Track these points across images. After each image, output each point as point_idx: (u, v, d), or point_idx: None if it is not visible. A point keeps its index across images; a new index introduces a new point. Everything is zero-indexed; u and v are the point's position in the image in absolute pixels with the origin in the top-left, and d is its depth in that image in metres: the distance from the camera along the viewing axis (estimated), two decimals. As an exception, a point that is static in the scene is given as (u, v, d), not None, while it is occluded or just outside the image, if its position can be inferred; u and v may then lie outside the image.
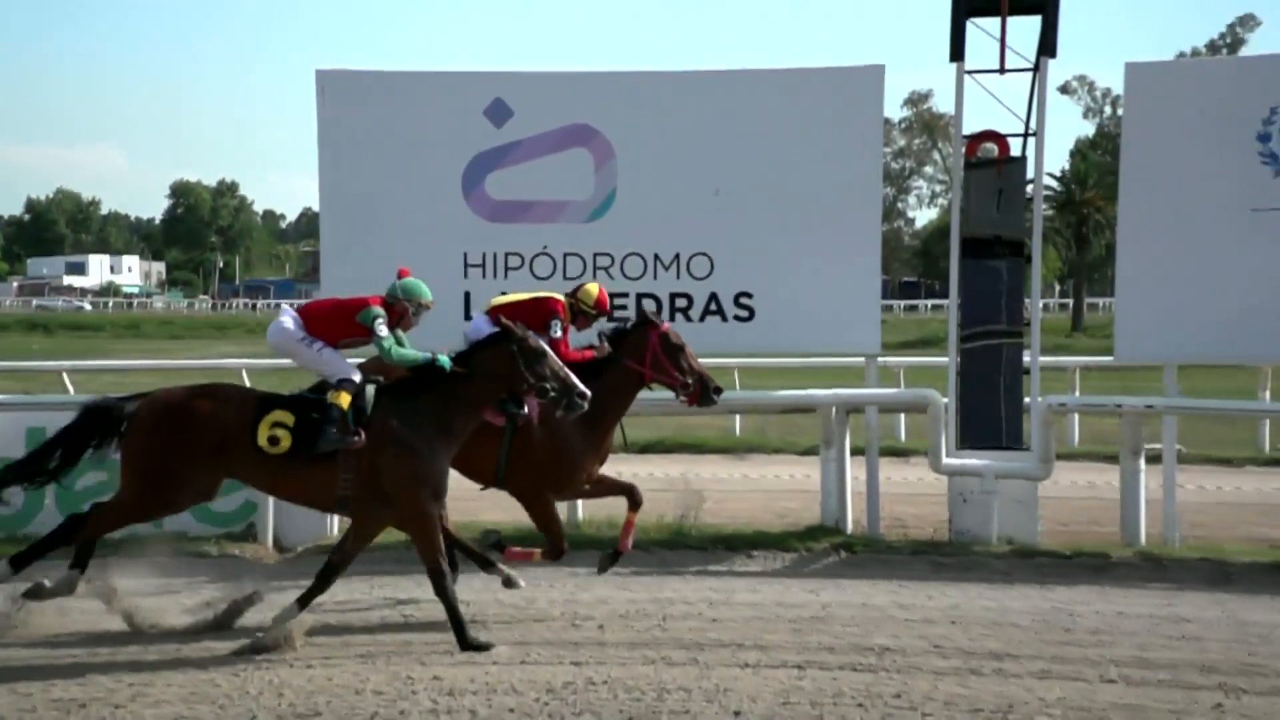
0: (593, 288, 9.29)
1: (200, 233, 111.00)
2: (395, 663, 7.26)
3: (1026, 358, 11.21)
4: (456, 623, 7.56)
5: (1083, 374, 18.01)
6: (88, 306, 78.80)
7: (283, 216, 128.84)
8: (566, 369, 7.83)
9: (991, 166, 11.36)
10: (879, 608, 8.54)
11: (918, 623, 8.16)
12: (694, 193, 10.88)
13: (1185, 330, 10.62)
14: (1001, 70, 11.08)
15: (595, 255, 10.94)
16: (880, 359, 11.70)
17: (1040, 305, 11.42)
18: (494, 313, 8.74)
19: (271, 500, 10.44)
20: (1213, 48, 60.82)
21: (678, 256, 10.91)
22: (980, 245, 11.25)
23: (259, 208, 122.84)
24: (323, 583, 7.87)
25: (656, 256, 10.92)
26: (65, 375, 19.25)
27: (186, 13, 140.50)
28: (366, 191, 11.00)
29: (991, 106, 11.48)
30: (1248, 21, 62.42)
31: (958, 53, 10.99)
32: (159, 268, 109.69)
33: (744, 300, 10.87)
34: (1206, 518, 11.51)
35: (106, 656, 7.46)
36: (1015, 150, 11.47)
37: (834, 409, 10.80)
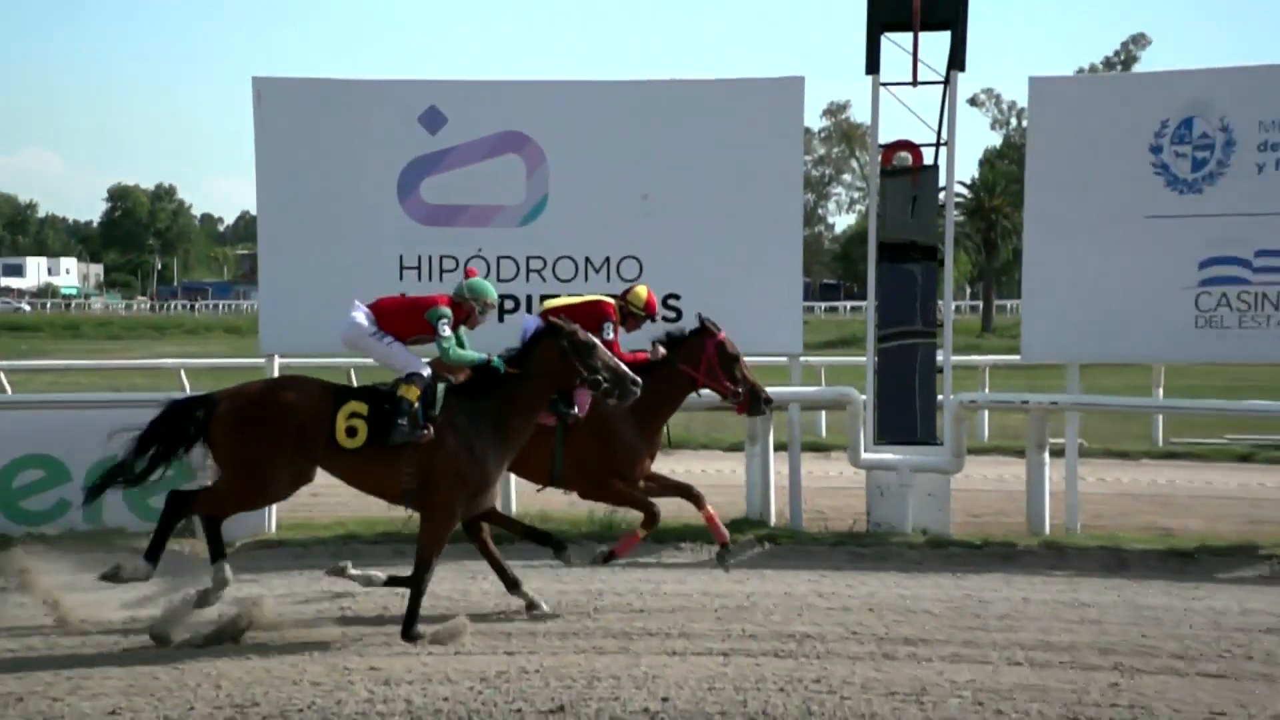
0: (642, 290, 9.26)
1: (138, 236, 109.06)
2: (332, 654, 7.20)
3: (940, 357, 11.35)
4: (412, 614, 7.54)
5: (992, 372, 18.19)
6: (26, 308, 77.18)
7: (221, 220, 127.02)
8: (616, 359, 7.82)
9: (906, 174, 11.47)
10: (800, 596, 8.60)
11: (837, 610, 8.23)
12: (623, 198, 10.89)
13: (1087, 331, 10.77)
14: (914, 83, 11.20)
15: (528, 258, 10.91)
16: (802, 358, 11.78)
17: (952, 307, 11.58)
18: (547, 315, 8.63)
19: (211, 496, 10.31)
20: (1108, 64, 61.87)
21: (608, 259, 10.91)
22: (896, 250, 11.35)
23: (197, 211, 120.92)
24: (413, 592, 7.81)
25: (587, 259, 10.91)
26: (3, 376, 18.87)
27: (122, 20, 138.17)
28: (303, 196, 10.90)
29: (905, 117, 11.62)
30: (1140, 40, 63.71)
31: (873, 66, 11.09)
32: (97, 270, 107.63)
33: (672, 302, 10.88)
34: (1105, 508, 11.70)
35: (44, 650, 7.34)
36: (928, 159, 11.58)
37: (757, 406, 10.83)
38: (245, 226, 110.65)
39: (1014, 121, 62.07)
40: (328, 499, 12.37)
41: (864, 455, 10.69)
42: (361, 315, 8.06)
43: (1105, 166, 10.67)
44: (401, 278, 10.88)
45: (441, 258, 10.89)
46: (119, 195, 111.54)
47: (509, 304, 10.93)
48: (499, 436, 7.71)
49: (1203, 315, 10.54)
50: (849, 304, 64.64)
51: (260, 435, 7.59)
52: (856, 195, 68.31)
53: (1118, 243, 10.65)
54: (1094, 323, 10.73)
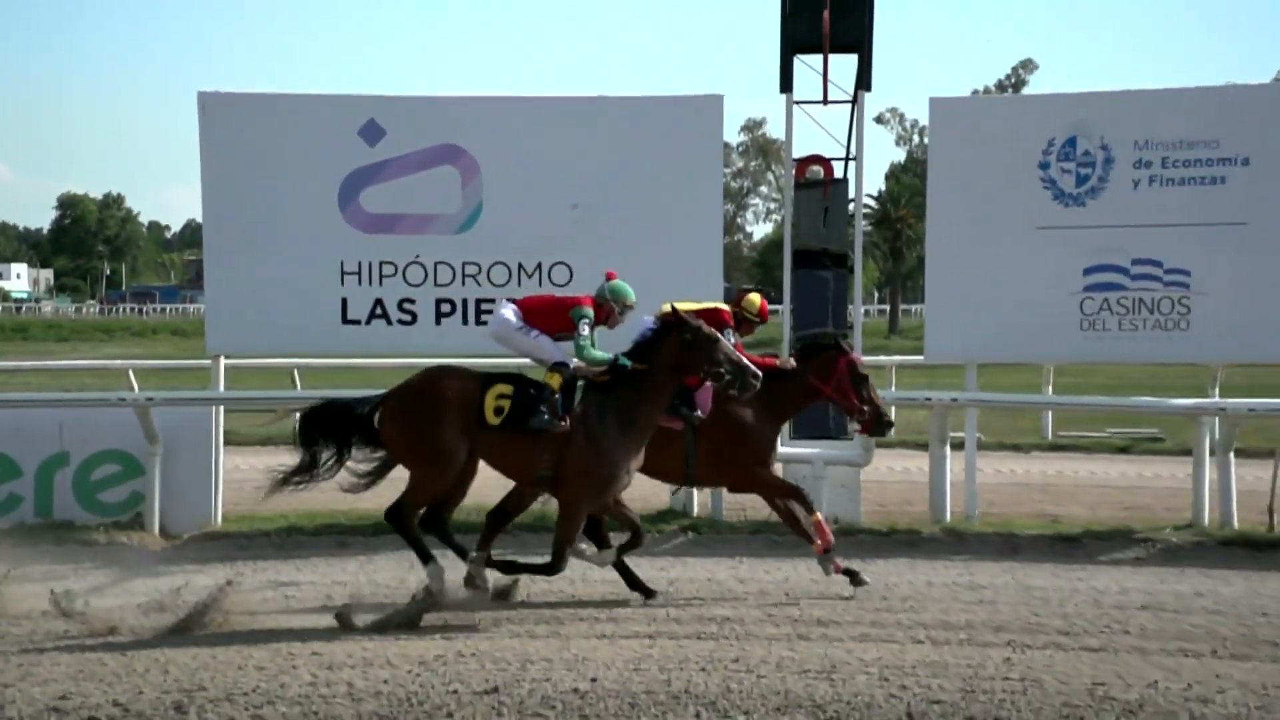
0: (755, 298, 9.13)
1: (87, 242, 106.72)
2: (276, 640, 7.11)
3: (850, 357, 11.42)
4: (526, 567, 7.75)
5: (898, 371, 18.37)
6: (-24, 312, 75.23)
7: (168, 227, 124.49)
8: (737, 352, 7.76)
9: (818, 187, 11.57)
10: (720, 582, 8.65)
11: (754, 594, 8.28)
12: (554, 207, 10.85)
13: (984, 333, 10.89)
14: (825, 102, 11.29)
15: (464, 264, 10.85)
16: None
17: (861, 311, 11.62)
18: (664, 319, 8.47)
19: (158, 490, 10.16)
20: (1000, 86, 62.80)
21: (540, 265, 10.87)
22: (809, 257, 11.44)
23: (145, 219, 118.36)
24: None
25: (520, 265, 10.87)
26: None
27: (71, 36, 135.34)
28: (248, 204, 10.76)
29: (817, 134, 11.71)
30: (1028, 65, 64.78)
31: (787, 85, 11.16)
32: (47, 274, 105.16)
33: (600, 305, 10.87)
34: (1000, 497, 11.84)
35: (-7, 639, 7.16)
36: (838, 173, 11.69)
37: (680, 404, 10.86)
38: (191, 233, 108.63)
39: (916, 138, 62.74)
40: (271, 493, 12.21)
41: (780, 449, 10.73)
42: (510, 311, 8.06)
43: (999, 181, 10.78)
44: (343, 283, 10.79)
45: (381, 264, 10.81)
46: (68, 203, 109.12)
47: (445, 307, 10.88)
48: (627, 430, 7.65)
49: (1086, 319, 10.72)
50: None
51: (426, 420, 7.59)
52: (773, 206, 68.67)
53: (1011, 252, 10.77)
54: (990, 325, 10.86)
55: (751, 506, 11.10)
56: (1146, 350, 10.85)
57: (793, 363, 8.66)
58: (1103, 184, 10.67)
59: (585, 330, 7.86)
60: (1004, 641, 7.10)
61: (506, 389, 7.68)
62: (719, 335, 7.78)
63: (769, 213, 71.13)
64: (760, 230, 73.84)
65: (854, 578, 8.21)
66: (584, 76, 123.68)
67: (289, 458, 8.01)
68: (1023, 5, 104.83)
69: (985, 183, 10.81)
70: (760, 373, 7.71)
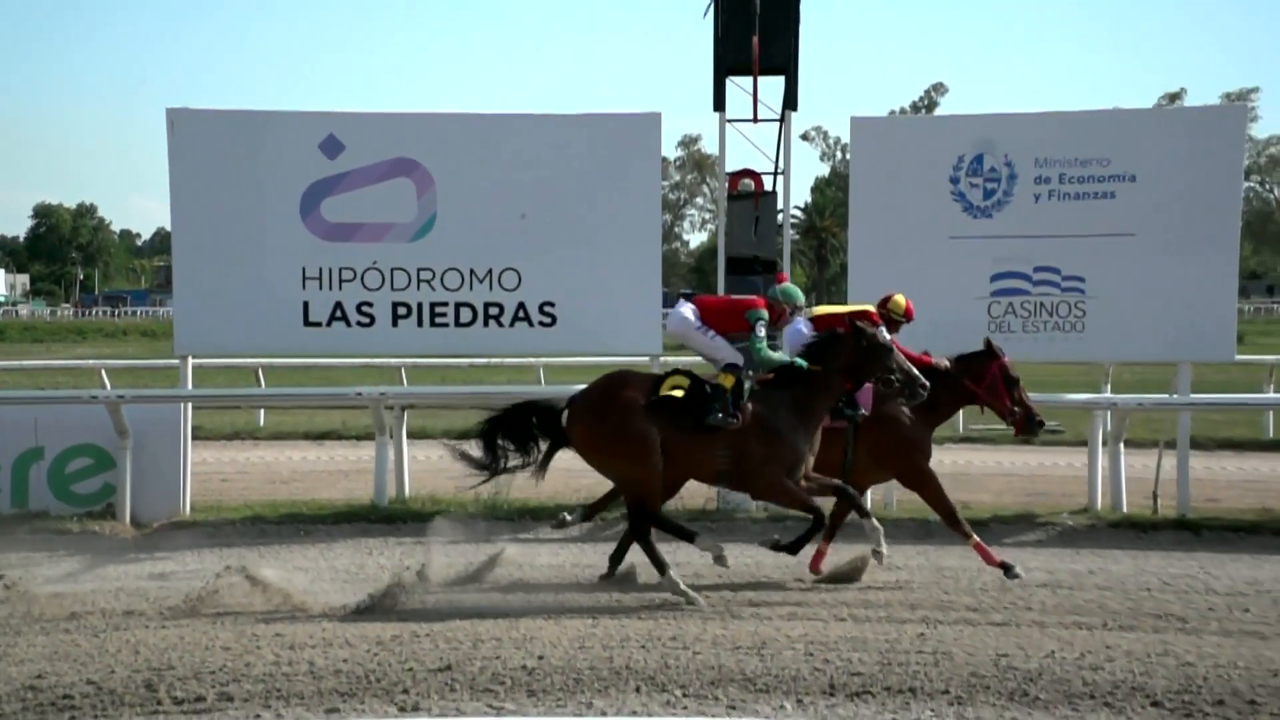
0: (900, 299, 8.95)
1: (62, 249, 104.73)
2: (241, 622, 7.03)
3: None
4: (804, 537, 7.63)
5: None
6: (-46, 315, 73.51)
7: (138, 235, 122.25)
8: (909, 362, 7.70)
9: (749, 199, 11.60)
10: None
11: (690, 577, 8.25)
12: (504, 217, 10.81)
13: (902, 334, 10.71)
14: (755, 120, 11.35)
15: (419, 270, 10.78)
16: (661, 358, 11.82)
17: (789, 313, 11.69)
18: (817, 320, 8.44)
19: (129, 482, 10.02)
20: (914, 107, 63.49)
21: (490, 271, 10.82)
22: (741, 263, 11.47)
23: (116, 227, 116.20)
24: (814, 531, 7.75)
25: (472, 271, 10.82)
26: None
27: (47, 54, 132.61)
28: (214, 214, 10.64)
29: (748, 149, 11.86)
30: (939, 88, 65.64)
31: (720, 105, 11.21)
32: (24, 279, 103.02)
33: (547, 309, 10.87)
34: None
35: (-30, 623, 7.02)
36: (768, 186, 11.74)
37: (621, 400, 10.86)
38: (161, 241, 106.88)
39: (839, 155, 63.28)
40: (235, 483, 12.10)
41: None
42: (689, 311, 7.97)
43: (914, 194, 10.87)
44: (304, 287, 10.70)
45: (340, 269, 10.72)
46: (43, 213, 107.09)
47: (401, 310, 10.80)
48: (801, 422, 7.62)
49: (994, 321, 10.84)
50: (702, 311, 64.82)
51: (620, 416, 7.53)
52: (707, 216, 68.83)
53: (926, 259, 10.85)
54: (907, 327, 10.91)
55: (689, 496, 11.13)
56: (1046, 350, 11.01)
57: (946, 363, 8.47)
58: (1007, 198, 10.81)
59: (761, 331, 7.81)
60: (918, 618, 7.19)
61: (681, 380, 7.65)
62: (893, 344, 7.74)
63: (704, 222, 71.35)
64: (696, 239, 74.07)
65: (1008, 571, 7.93)
66: (532, 95, 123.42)
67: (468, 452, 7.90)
68: (935, 33, 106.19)
69: (902, 196, 10.89)
70: (929, 384, 7.67)
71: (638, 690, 5.89)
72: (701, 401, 7.59)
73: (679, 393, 7.62)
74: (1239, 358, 12.39)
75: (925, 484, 8.37)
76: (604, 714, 5.63)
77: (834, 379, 7.78)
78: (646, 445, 7.57)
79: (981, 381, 8.45)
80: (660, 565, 7.60)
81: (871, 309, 8.88)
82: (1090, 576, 8.29)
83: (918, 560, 8.86)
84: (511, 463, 7.91)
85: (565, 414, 7.83)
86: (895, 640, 6.67)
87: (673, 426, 7.60)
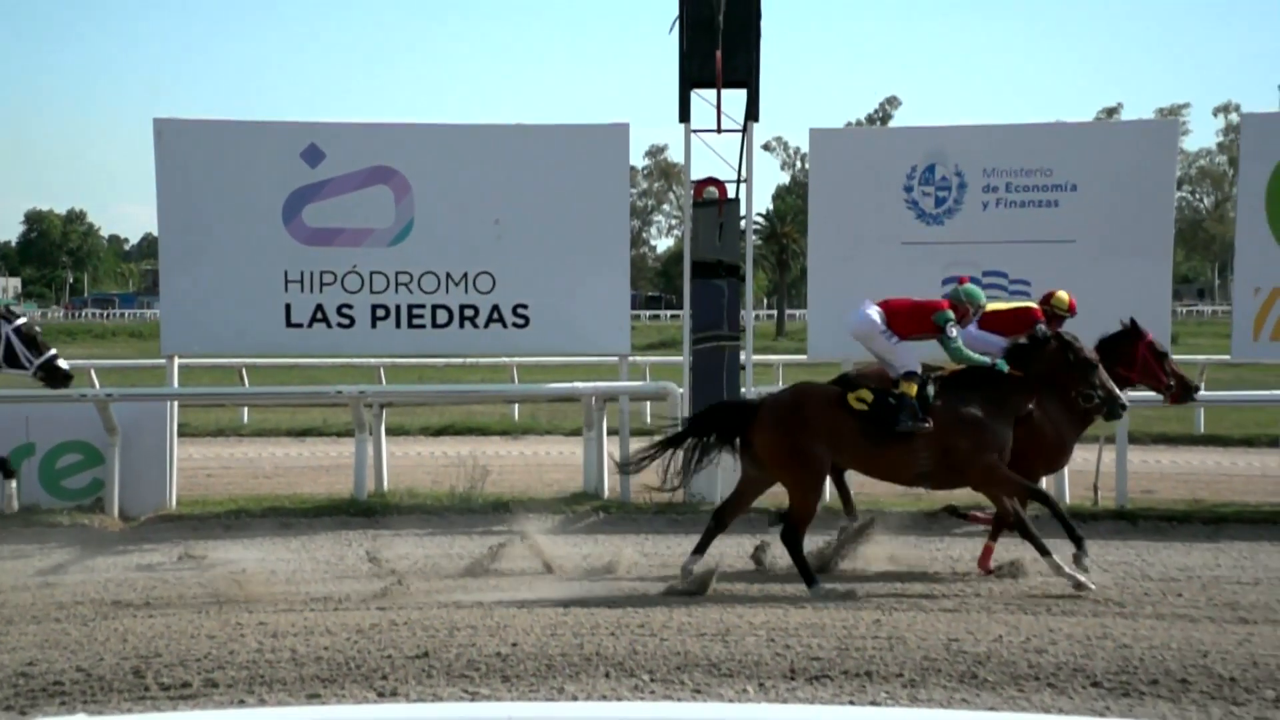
0: (1064, 295, 8.69)
1: (52, 253, 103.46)
2: (226, 611, 6.97)
3: (742, 357, 11.51)
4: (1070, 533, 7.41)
5: (785, 369, 18.56)
6: (-53, 316, 72.35)
7: (126, 240, 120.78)
8: (1110, 380, 7.50)
9: (714, 206, 11.58)
10: (628, 557, 8.61)
11: (657, 567, 8.29)
12: (479, 223, 10.78)
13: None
14: (719, 130, 11.33)
15: (397, 273, 10.73)
16: (630, 358, 11.82)
17: (752, 316, 11.73)
18: (985, 321, 8.13)
19: (117, 476, 9.90)
20: (870, 119, 63.77)
21: (466, 275, 10.79)
22: (706, 268, 11.46)
23: (105, 232, 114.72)
24: (1037, 540, 7.53)
25: (448, 275, 10.78)
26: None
27: (35, 64, 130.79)
28: (199, 219, 10.57)
29: (712, 159, 11.75)
30: (893, 101, 65.98)
31: (685, 116, 11.19)
32: (15, 283, 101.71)
33: (521, 310, 10.84)
34: (870, 479, 11.93)
35: (-37, 612, 6.92)
36: (731, 193, 11.72)
37: (594, 398, 10.86)
38: (148, 246, 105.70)
39: (799, 164, 63.46)
40: (220, 478, 11.99)
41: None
42: (875, 313, 7.74)
43: (870, 201, 10.91)
44: (286, 290, 10.65)
45: (321, 273, 10.66)
46: (34, 219, 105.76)
47: (380, 312, 10.75)
48: (996, 419, 7.48)
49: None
50: (669, 313, 65.08)
51: (802, 430, 7.42)
52: (674, 223, 68.88)
53: (881, 263, 10.89)
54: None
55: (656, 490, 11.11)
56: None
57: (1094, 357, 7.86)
58: (958, 206, 10.88)
59: (954, 332, 7.60)
60: (874, 605, 7.21)
61: (866, 395, 7.48)
62: (1097, 361, 7.54)
63: (670, 228, 71.40)
64: (663, 244, 74.12)
65: (1080, 579, 7.59)
66: (505, 106, 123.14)
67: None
68: (889, 49, 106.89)
69: (858, 203, 10.93)
70: (1127, 404, 7.48)
71: (607, 675, 5.88)
72: (888, 411, 7.41)
73: (863, 405, 7.47)
74: (1173, 357, 12.48)
75: (1017, 488, 7.86)
76: (575, 698, 5.62)
77: (1030, 385, 7.53)
78: (818, 472, 7.60)
79: (1134, 365, 8.17)
80: (809, 579, 7.46)
81: (1034, 305, 8.71)
82: (1034, 564, 8.33)
83: (873, 550, 8.85)
84: (696, 456, 7.81)
85: (754, 418, 7.67)
86: (852, 626, 6.69)
87: (863, 437, 7.47)
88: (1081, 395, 7.60)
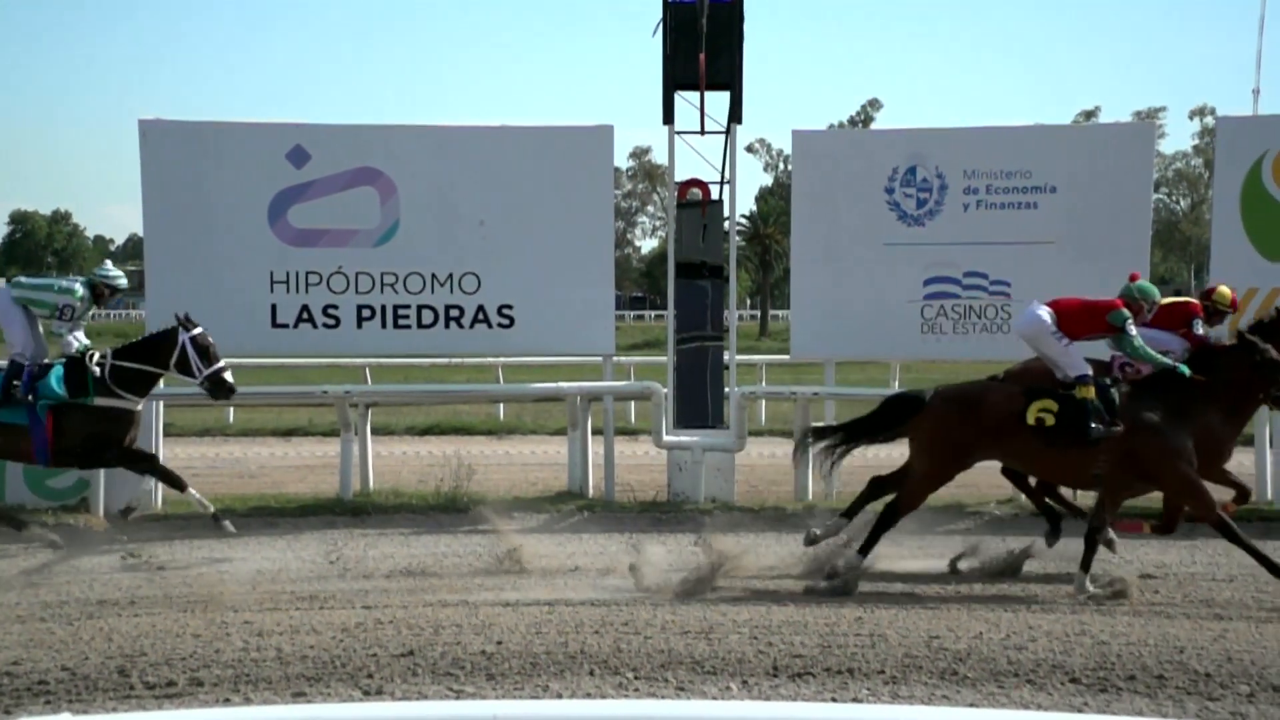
0: (1225, 290, 8.42)
1: (37, 254, 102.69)
2: (211, 610, 6.93)
3: (726, 357, 11.53)
4: (1267, 563, 7.21)
5: (767, 369, 18.58)
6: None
7: (112, 241, 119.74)
8: None
9: (697, 207, 11.63)
10: (612, 555, 8.60)
11: (642, 565, 8.28)
12: (464, 224, 10.76)
13: (841, 335, 11.03)
14: (702, 132, 11.37)
15: (382, 274, 10.70)
16: (614, 358, 11.81)
17: (735, 316, 11.73)
18: (1242, 334, 7.69)
19: (103, 476, 9.84)
20: (852, 121, 63.81)
21: (451, 275, 10.76)
22: (690, 268, 11.50)
23: (90, 233, 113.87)
24: (1090, 550, 7.45)
25: (433, 275, 10.76)
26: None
27: (19, 66, 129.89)
28: (185, 221, 10.51)
29: (696, 160, 11.78)
30: (875, 103, 66.04)
31: (669, 117, 11.21)
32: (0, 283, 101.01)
33: (506, 311, 10.82)
34: (854, 477, 11.80)
35: (-53, 613, 6.87)
36: (715, 194, 11.77)
37: (578, 398, 10.86)
38: (134, 247, 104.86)
39: (782, 165, 63.50)
40: (206, 478, 11.93)
41: (665, 438, 10.79)
42: (1045, 313, 7.51)
43: (852, 203, 10.93)
44: (272, 291, 10.60)
45: (307, 274, 10.63)
46: (19, 219, 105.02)
47: (365, 312, 10.72)
48: (1180, 422, 7.28)
49: (926, 322, 10.95)
50: (653, 313, 64.99)
51: (963, 426, 7.34)
52: (658, 224, 68.87)
53: (863, 264, 10.94)
54: (846, 328, 11.01)
55: (641, 488, 11.13)
56: (975, 349, 11.13)
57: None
58: (939, 207, 10.91)
59: (1133, 330, 7.38)
60: (856, 602, 7.22)
61: (1050, 404, 7.32)
62: None
63: (654, 229, 71.39)
64: (647, 245, 74.07)
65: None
66: (491, 108, 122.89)
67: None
68: (871, 52, 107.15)
69: (840, 205, 10.95)
70: None
71: (591, 673, 5.88)
72: (1074, 417, 7.25)
73: (1050, 418, 7.32)
74: None
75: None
76: (559, 696, 5.61)
77: (1217, 390, 7.32)
78: (952, 472, 7.60)
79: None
80: (864, 550, 7.51)
81: (1194, 300, 8.51)
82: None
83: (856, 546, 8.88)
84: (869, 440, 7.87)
85: (923, 406, 7.63)
86: (834, 624, 6.70)
87: (1038, 439, 7.34)
88: (1271, 398, 7.39)
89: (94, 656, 6.06)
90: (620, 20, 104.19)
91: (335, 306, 10.66)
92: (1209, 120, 56.26)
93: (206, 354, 8.53)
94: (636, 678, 5.83)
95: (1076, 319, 7.55)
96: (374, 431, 11.43)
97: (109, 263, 8.87)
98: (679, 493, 10.63)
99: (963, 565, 8.04)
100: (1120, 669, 5.94)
